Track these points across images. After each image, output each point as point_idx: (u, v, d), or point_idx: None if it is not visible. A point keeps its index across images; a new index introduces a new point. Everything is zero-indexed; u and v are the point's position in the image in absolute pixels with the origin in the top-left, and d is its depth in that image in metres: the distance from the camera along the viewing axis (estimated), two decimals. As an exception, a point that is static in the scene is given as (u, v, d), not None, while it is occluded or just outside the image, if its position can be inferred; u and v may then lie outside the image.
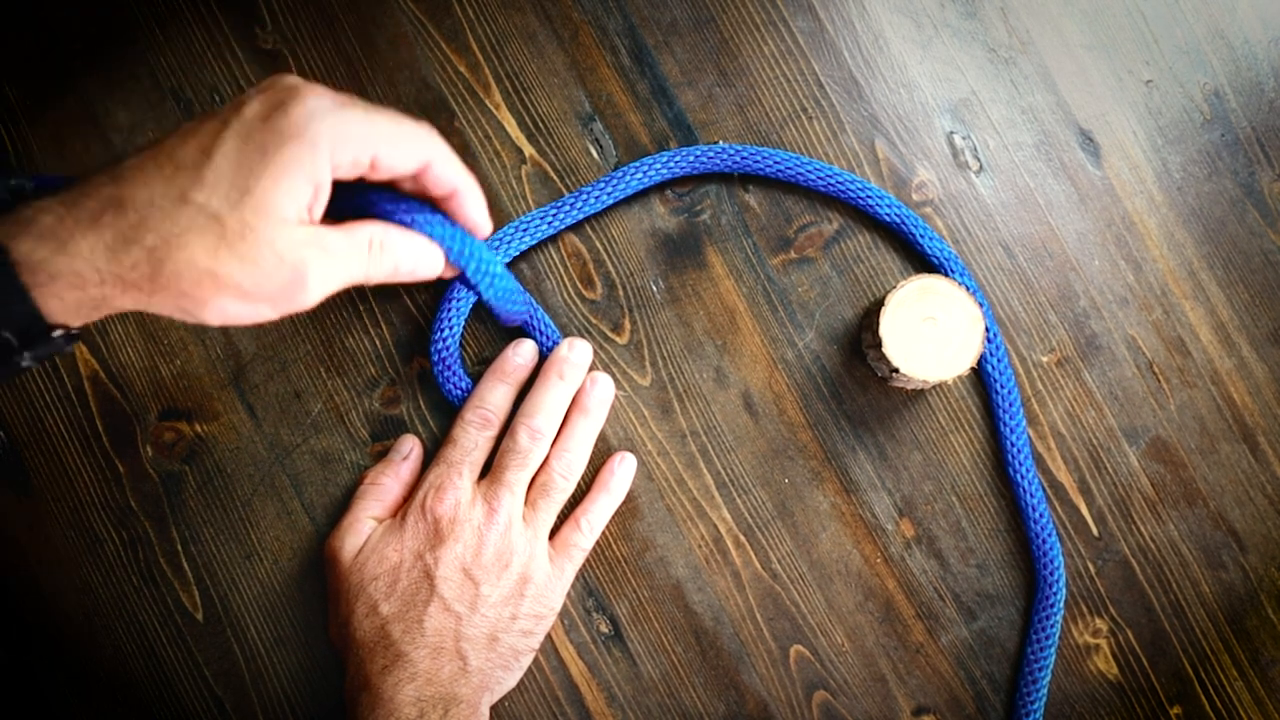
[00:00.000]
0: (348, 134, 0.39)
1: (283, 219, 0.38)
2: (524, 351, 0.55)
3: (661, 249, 0.57)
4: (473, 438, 0.53)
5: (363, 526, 0.53)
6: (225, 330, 0.56)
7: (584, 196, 0.55)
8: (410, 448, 0.55)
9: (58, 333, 0.38)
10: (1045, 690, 0.55)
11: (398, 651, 0.49)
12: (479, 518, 0.51)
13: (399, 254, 0.43)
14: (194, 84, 0.56)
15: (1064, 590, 0.55)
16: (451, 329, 0.54)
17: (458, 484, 0.52)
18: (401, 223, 0.44)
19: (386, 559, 0.51)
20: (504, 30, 0.57)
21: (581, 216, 0.55)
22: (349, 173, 0.41)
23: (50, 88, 0.56)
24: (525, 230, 0.55)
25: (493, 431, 0.53)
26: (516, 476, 0.52)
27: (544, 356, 0.55)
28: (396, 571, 0.51)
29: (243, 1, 0.57)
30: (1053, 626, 0.55)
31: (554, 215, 0.55)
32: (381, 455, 0.55)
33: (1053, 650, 0.55)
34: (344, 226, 0.41)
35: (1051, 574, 0.55)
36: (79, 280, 0.36)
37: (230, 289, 0.38)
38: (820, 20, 0.58)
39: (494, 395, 0.54)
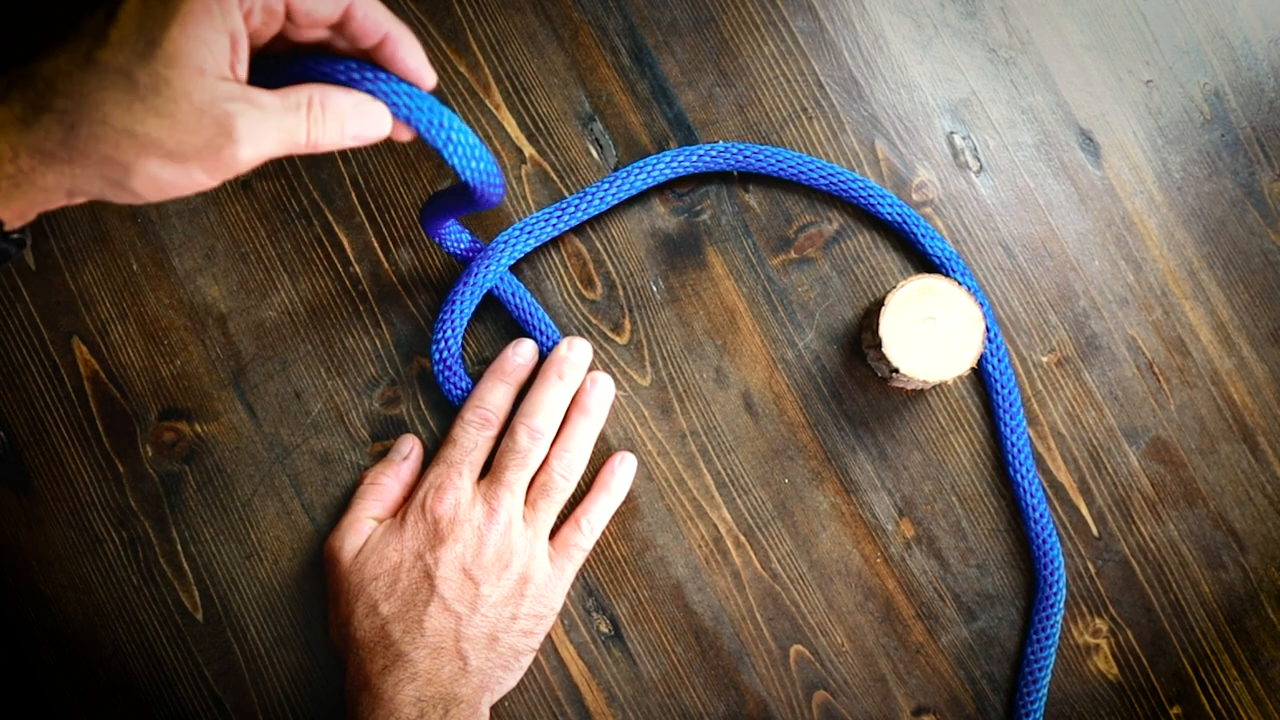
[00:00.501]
0: None
1: (198, 69, 0.35)
2: (524, 351, 0.55)
3: (661, 249, 0.57)
4: (472, 437, 0.53)
5: (363, 526, 0.53)
6: (225, 330, 0.56)
7: (587, 197, 0.55)
8: (410, 448, 0.55)
9: None
10: (1045, 690, 0.55)
11: (398, 651, 0.49)
12: (479, 518, 0.51)
13: (343, 113, 0.39)
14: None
15: (1064, 590, 0.55)
16: (453, 329, 0.54)
17: (458, 484, 0.52)
18: (341, 81, 0.40)
19: (387, 559, 0.51)
20: (504, 30, 0.57)
21: (585, 218, 0.55)
22: (264, 21, 0.38)
23: (50, 88, 0.56)
24: (529, 232, 0.54)
25: (492, 431, 0.53)
26: (516, 476, 0.52)
27: (544, 356, 0.55)
28: (396, 571, 0.51)
29: (243, 1, 0.57)
30: (1053, 626, 0.55)
31: (558, 217, 0.55)
32: (381, 455, 0.55)
33: (1053, 650, 0.55)
34: (279, 90, 0.39)
35: (1051, 574, 0.55)
36: None
37: (152, 148, 0.35)
38: (820, 20, 0.58)
39: (494, 395, 0.54)
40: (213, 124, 0.36)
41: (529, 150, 0.57)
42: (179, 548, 0.55)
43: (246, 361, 0.56)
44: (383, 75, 0.40)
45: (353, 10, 0.39)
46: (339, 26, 0.40)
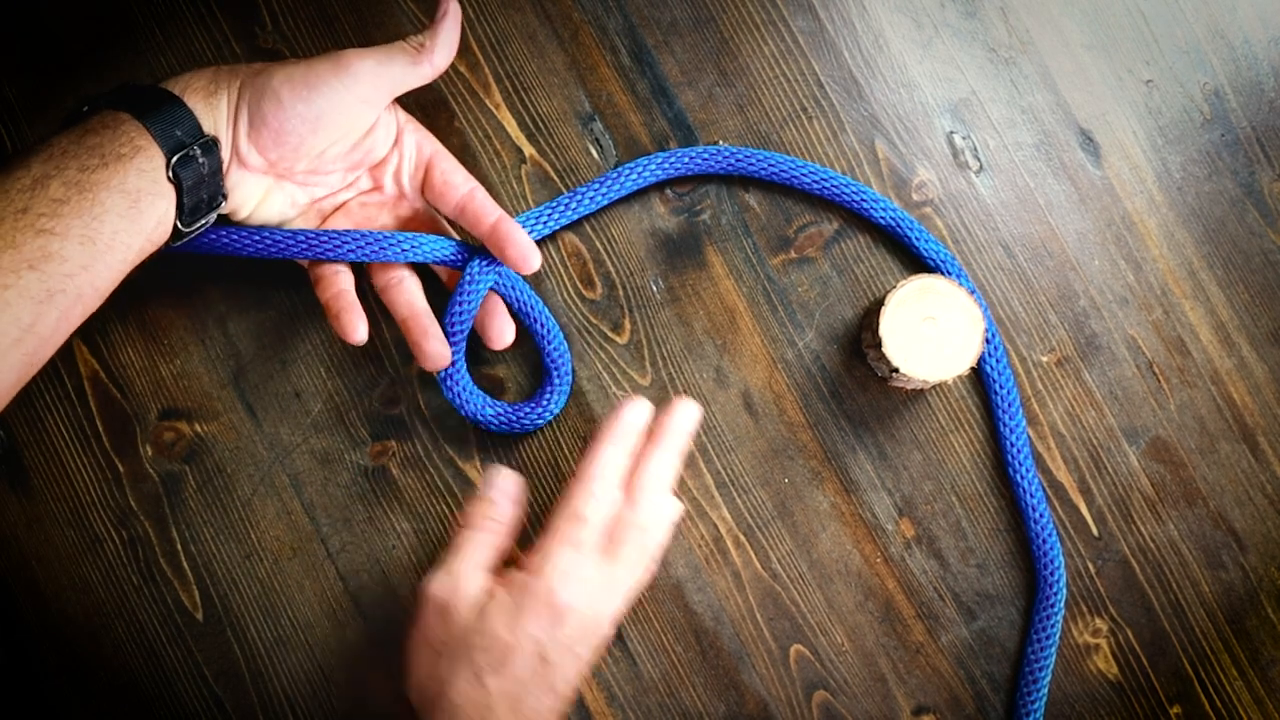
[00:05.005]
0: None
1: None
2: (640, 410, 0.51)
3: (661, 249, 0.57)
4: (599, 513, 0.48)
5: (472, 581, 0.47)
6: (225, 330, 0.56)
7: (580, 196, 0.55)
8: (515, 489, 0.50)
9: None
10: (1045, 690, 0.55)
11: None
12: (600, 606, 0.48)
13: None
14: (194, 84, 0.56)
15: (1064, 590, 0.55)
16: (461, 321, 0.53)
17: (585, 573, 0.47)
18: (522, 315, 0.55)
19: (500, 635, 0.46)
20: (504, 30, 0.57)
21: (579, 215, 0.55)
22: (415, 165, 0.53)
23: (50, 88, 0.56)
24: (534, 225, 0.54)
25: (617, 501, 0.49)
26: (627, 552, 0.48)
27: (542, 352, 0.55)
28: (509, 651, 0.46)
29: (243, 1, 0.57)
30: (1053, 626, 0.55)
31: (550, 214, 0.55)
32: (381, 455, 0.55)
33: (1053, 650, 0.55)
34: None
35: (1052, 574, 0.55)
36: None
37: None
38: (820, 20, 0.58)
39: (615, 462, 0.49)
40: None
41: (529, 150, 0.57)
42: (179, 548, 0.55)
43: (246, 361, 0.56)
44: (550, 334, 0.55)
45: (473, 193, 0.52)
46: (462, 209, 0.52)
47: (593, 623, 0.47)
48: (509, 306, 0.55)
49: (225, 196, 0.49)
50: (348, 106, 0.48)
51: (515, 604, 0.46)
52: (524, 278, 0.56)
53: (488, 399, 0.55)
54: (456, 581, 0.47)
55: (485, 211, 0.51)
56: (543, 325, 0.55)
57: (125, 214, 0.44)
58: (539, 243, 0.56)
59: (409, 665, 0.48)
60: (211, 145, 0.46)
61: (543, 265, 0.56)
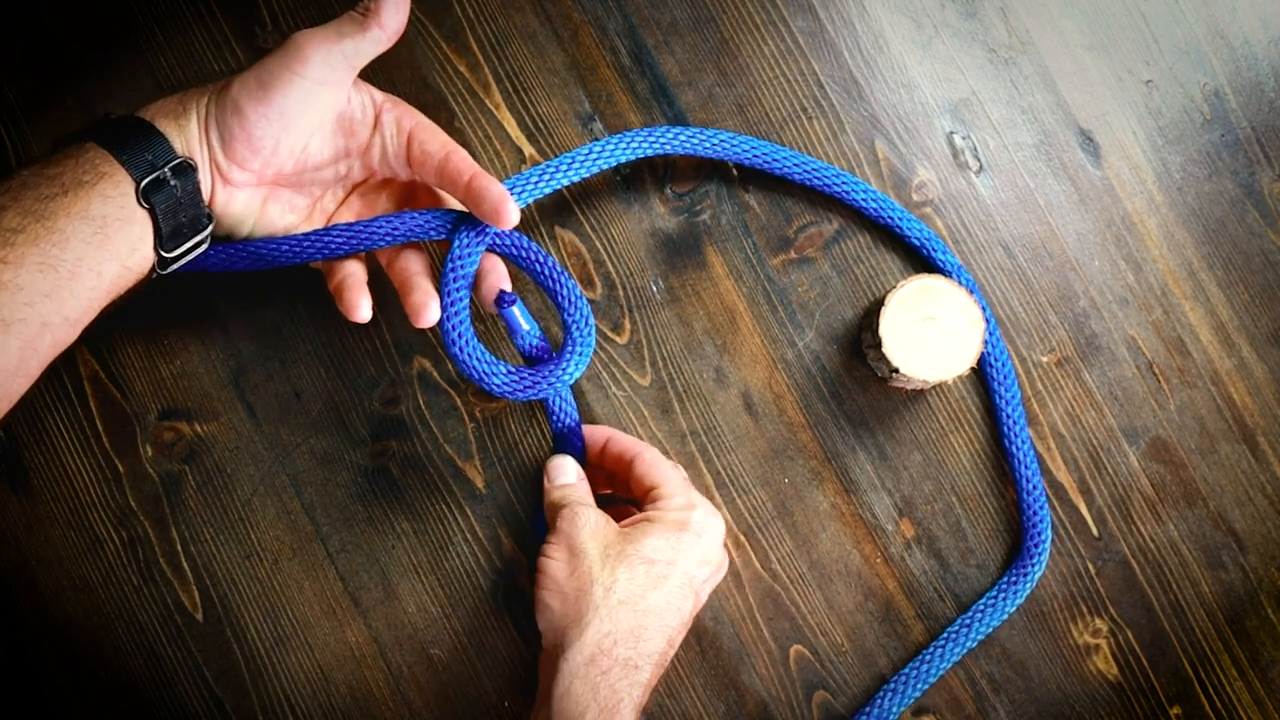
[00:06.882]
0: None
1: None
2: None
3: (661, 249, 0.57)
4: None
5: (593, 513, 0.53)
6: (225, 330, 0.56)
7: (567, 159, 0.53)
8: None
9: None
10: (957, 654, 0.55)
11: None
12: (722, 559, 0.53)
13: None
14: (194, 84, 0.56)
15: (1032, 587, 0.55)
16: (457, 288, 0.51)
17: (716, 524, 0.52)
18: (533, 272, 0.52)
19: (664, 553, 0.50)
20: (504, 30, 0.57)
21: (569, 182, 0.53)
22: (397, 143, 0.49)
23: (50, 88, 0.56)
24: (516, 191, 0.52)
25: None
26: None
27: (560, 309, 0.52)
28: (672, 569, 0.50)
29: (243, 2, 0.57)
30: (1002, 610, 0.55)
31: (539, 175, 0.53)
32: (381, 455, 0.55)
33: (991, 621, 0.55)
34: None
35: (1033, 555, 0.55)
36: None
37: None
38: (820, 20, 0.58)
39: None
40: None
41: (529, 150, 0.57)
42: (179, 548, 0.55)
43: (246, 361, 0.56)
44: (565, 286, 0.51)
45: (449, 156, 0.49)
46: (440, 173, 0.49)
47: (717, 572, 0.50)
48: (518, 266, 0.52)
49: (209, 219, 0.48)
50: (307, 93, 0.46)
51: (674, 531, 0.49)
52: (523, 277, 0.56)
53: (503, 363, 0.51)
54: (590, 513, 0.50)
55: (460, 172, 0.49)
56: (556, 280, 0.51)
57: (90, 240, 0.43)
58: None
59: (549, 570, 0.49)
60: (185, 168, 0.46)
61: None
